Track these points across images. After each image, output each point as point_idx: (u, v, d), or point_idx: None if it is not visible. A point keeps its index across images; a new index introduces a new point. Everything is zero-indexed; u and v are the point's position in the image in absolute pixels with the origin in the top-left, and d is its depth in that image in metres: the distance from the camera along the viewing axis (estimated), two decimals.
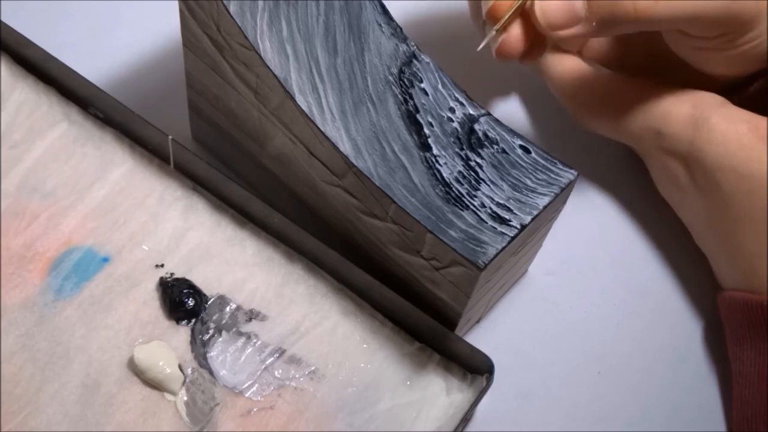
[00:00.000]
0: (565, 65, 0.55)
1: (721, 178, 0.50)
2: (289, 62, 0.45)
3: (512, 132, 0.46)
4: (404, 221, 0.45)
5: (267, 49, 0.45)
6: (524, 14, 0.48)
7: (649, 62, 0.54)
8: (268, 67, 0.45)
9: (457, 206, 0.44)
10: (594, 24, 0.46)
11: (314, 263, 0.52)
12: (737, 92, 0.53)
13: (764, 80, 0.53)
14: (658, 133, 0.52)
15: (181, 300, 0.50)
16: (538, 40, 0.49)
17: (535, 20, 0.46)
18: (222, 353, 0.50)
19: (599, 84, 0.54)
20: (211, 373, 0.49)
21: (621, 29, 0.48)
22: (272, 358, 0.50)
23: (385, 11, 0.47)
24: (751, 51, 0.50)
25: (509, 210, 0.44)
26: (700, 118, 0.51)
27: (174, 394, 0.49)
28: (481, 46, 0.47)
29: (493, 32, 0.47)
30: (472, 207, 0.44)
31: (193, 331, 0.50)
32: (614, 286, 0.56)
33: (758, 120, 0.50)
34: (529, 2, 0.47)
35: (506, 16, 0.47)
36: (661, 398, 0.53)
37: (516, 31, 0.48)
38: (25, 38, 0.54)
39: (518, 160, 0.45)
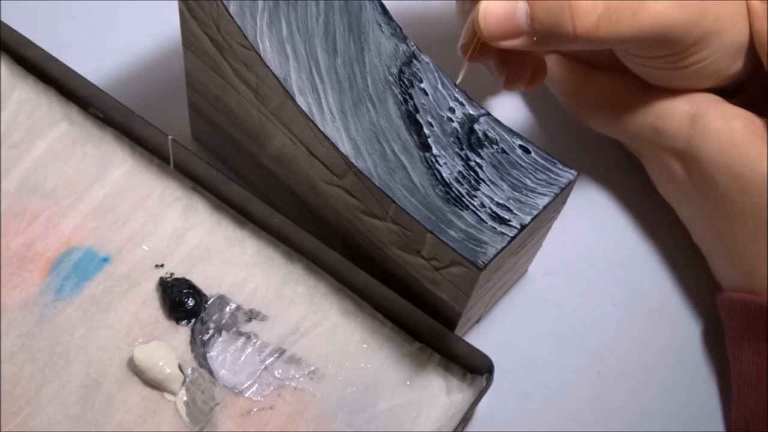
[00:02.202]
0: (563, 65, 0.55)
1: (717, 175, 0.50)
2: (289, 62, 0.45)
3: (512, 132, 0.46)
4: (404, 221, 0.45)
5: (267, 49, 0.45)
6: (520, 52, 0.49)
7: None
8: (268, 67, 0.45)
9: (456, 206, 0.44)
10: (535, 39, 0.46)
11: (314, 263, 0.52)
12: (730, 97, 0.53)
13: (756, 84, 0.53)
14: (655, 130, 0.52)
15: (181, 300, 0.50)
16: (541, 67, 0.51)
17: (477, 27, 0.47)
18: (222, 353, 0.50)
19: (597, 81, 0.54)
20: (211, 373, 0.49)
21: (562, 46, 0.49)
22: (272, 358, 0.50)
23: (385, 11, 0.47)
24: (703, 70, 0.50)
25: (509, 210, 0.44)
26: (696, 115, 0.51)
27: (174, 394, 0.49)
28: (458, 80, 0.48)
29: (466, 64, 0.48)
30: (471, 207, 0.44)
31: (193, 331, 0.50)
32: (614, 286, 0.56)
33: (754, 118, 0.50)
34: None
35: (471, 50, 0.48)
36: (660, 398, 0.53)
37: (517, 65, 0.50)
38: (25, 38, 0.54)
39: (518, 160, 0.45)
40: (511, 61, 0.50)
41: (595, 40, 0.46)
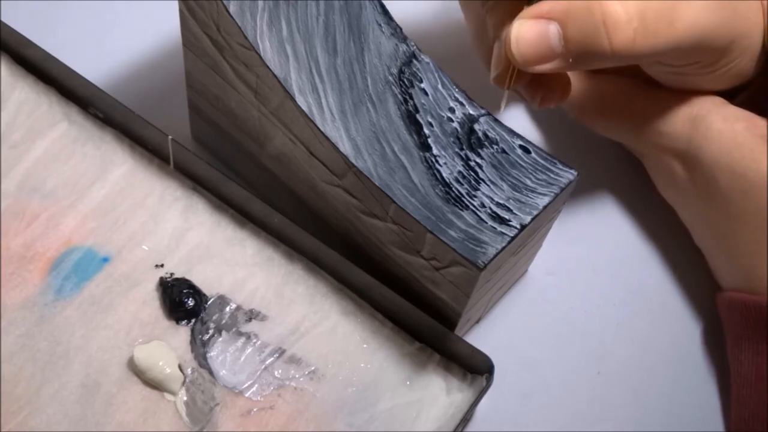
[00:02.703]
0: None
1: (718, 177, 0.50)
2: (289, 62, 0.45)
3: (512, 132, 0.46)
4: (404, 221, 0.45)
5: (267, 49, 0.45)
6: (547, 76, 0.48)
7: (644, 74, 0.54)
8: (268, 67, 0.45)
9: (456, 206, 0.44)
10: (570, 60, 0.45)
11: (314, 263, 0.52)
12: (733, 97, 0.53)
13: (758, 83, 0.53)
14: (656, 132, 0.52)
15: (181, 300, 0.50)
16: (567, 80, 0.49)
17: (510, 54, 0.45)
18: (222, 353, 0.50)
19: (598, 84, 0.54)
20: (211, 373, 0.49)
21: (598, 65, 0.47)
22: (272, 358, 0.50)
23: (385, 11, 0.47)
24: (728, 72, 0.50)
25: (509, 210, 0.44)
26: (698, 116, 0.51)
27: (174, 394, 0.49)
28: (502, 109, 0.47)
29: (506, 93, 0.47)
30: (471, 207, 0.44)
31: (193, 331, 0.50)
32: (614, 286, 0.56)
33: (755, 119, 0.50)
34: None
35: (508, 78, 0.47)
36: (660, 398, 0.53)
37: (550, 85, 0.49)
38: (25, 38, 0.54)
39: (518, 160, 0.45)
40: (544, 81, 0.49)
41: (633, 55, 0.45)
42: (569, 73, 0.55)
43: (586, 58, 0.45)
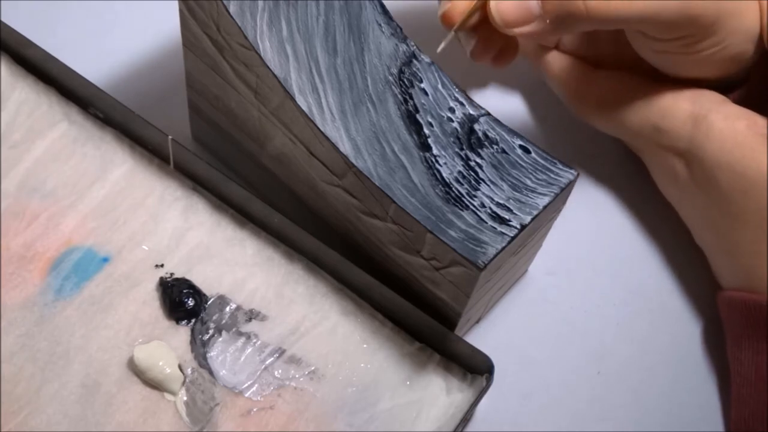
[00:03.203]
0: (566, 62, 0.55)
1: (719, 175, 0.50)
2: (289, 62, 0.45)
3: (512, 132, 0.46)
4: (404, 221, 0.45)
5: (267, 49, 0.45)
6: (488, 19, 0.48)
7: (644, 64, 0.54)
8: (268, 67, 0.45)
9: (456, 206, 0.44)
10: (548, 22, 0.46)
11: (314, 263, 0.52)
12: (730, 91, 0.53)
13: (756, 77, 0.53)
14: (657, 130, 0.52)
15: (181, 300, 0.50)
16: (511, 44, 0.50)
17: (491, 17, 0.46)
18: (222, 353, 0.50)
19: (600, 80, 0.54)
20: (211, 373, 0.49)
21: (575, 28, 0.48)
22: (272, 358, 0.50)
23: (385, 11, 0.47)
24: (716, 55, 0.49)
25: (509, 210, 0.44)
26: (699, 115, 0.51)
27: (174, 394, 0.49)
28: (440, 48, 0.47)
29: (451, 34, 0.47)
30: (471, 207, 0.44)
31: (193, 331, 0.50)
32: (614, 286, 0.56)
33: (756, 118, 0.50)
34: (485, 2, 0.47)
35: (462, 20, 0.47)
36: (660, 398, 0.53)
37: (486, 36, 0.49)
38: (25, 38, 0.54)
39: (518, 160, 0.45)
40: (479, 31, 0.49)
41: (609, 19, 0.46)
42: (570, 67, 0.55)
43: (564, 20, 0.46)
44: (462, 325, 0.50)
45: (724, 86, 0.52)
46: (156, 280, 0.51)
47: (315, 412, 0.49)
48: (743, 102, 0.52)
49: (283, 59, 0.45)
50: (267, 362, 0.49)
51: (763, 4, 0.50)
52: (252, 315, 0.51)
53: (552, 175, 0.45)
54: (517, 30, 0.46)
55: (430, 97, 0.46)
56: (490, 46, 0.50)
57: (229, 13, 0.45)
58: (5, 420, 0.47)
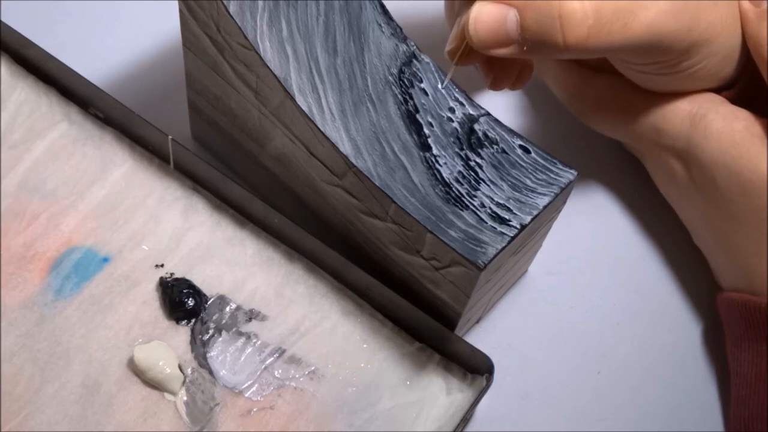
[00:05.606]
0: (565, 65, 0.55)
1: (717, 176, 0.50)
2: (289, 62, 0.45)
3: (512, 132, 0.46)
4: (404, 221, 0.45)
5: (267, 49, 0.45)
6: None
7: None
8: (268, 67, 0.45)
9: (456, 206, 0.44)
10: (525, 48, 0.46)
11: (314, 263, 0.52)
12: (724, 89, 0.53)
13: (748, 76, 0.53)
14: (656, 130, 0.52)
15: (181, 300, 0.50)
16: (526, 66, 0.50)
17: (467, 34, 0.46)
18: (222, 353, 0.50)
19: (598, 83, 0.54)
20: (211, 373, 0.49)
21: (552, 56, 0.48)
22: (272, 358, 0.50)
23: (385, 11, 0.47)
24: (696, 74, 0.50)
25: (509, 210, 0.44)
26: (697, 115, 0.51)
27: (174, 394, 0.49)
28: (445, 83, 0.47)
29: (453, 68, 0.48)
30: (471, 207, 0.44)
31: (193, 331, 0.50)
32: (614, 286, 0.56)
33: (754, 118, 0.50)
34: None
35: (458, 55, 0.47)
36: (660, 398, 0.53)
37: (504, 67, 0.49)
38: (25, 38, 0.54)
39: (518, 160, 0.45)
40: (497, 63, 0.50)
41: (585, 51, 0.46)
42: (568, 69, 0.55)
43: (541, 48, 0.46)
44: (462, 325, 0.50)
45: (716, 87, 0.52)
46: (156, 280, 0.51)
47: (315, 412, 0.49)
48: (738, 100, 0.52)
49: (283, 59, 0.45)
50: (267, 362, 0.49)
51: (746, 8, 0.49)
52: (252, 315, 0.51)
53: (552, 175, 0.45)
54: (494, 52, 0.46)
55: (430, 97, 0.46)
56: (509, 75, 0.50)
57: (229, 13, 0.45)
58: (5, 420, 0.47)
